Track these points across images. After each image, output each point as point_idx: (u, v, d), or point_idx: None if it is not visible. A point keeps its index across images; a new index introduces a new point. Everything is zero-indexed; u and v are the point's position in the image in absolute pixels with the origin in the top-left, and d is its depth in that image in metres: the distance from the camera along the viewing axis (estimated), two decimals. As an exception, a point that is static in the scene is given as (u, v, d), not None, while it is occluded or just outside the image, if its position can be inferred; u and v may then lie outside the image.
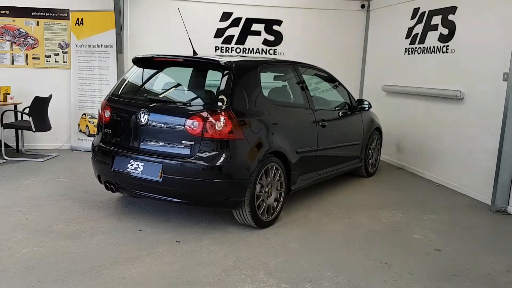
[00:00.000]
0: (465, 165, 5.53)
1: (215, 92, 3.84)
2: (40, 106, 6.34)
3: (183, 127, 3.67)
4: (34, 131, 6.24)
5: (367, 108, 5.72)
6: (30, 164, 6.10)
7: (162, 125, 3.79)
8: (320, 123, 4.75)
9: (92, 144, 4.28)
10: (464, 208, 5.01)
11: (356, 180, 5.97)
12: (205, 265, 3.28)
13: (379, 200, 5.17)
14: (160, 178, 3.69)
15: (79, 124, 7.16)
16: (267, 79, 4.70)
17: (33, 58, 7.07)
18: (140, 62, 4.34)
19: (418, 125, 6.52)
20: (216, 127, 3.62)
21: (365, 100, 5.72)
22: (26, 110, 6.32)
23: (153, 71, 4.32)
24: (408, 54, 6.76)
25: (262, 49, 7.69)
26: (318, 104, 4.98)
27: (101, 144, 4.16)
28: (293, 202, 4.79)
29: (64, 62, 7.18)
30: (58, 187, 5.05)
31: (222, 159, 3.62)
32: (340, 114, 5.36)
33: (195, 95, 4.06)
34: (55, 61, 7.15)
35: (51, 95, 6.54)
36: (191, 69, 4.34)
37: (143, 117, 3.84)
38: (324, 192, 5.29)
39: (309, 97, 4.76)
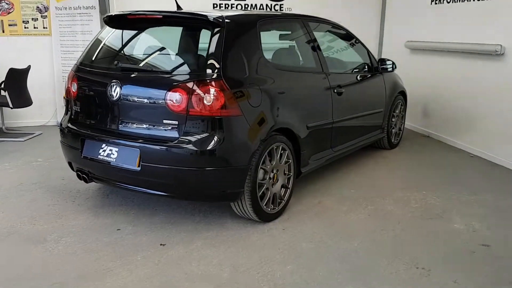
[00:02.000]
0: (505, 132, 4.70)
1: (204, 57, 3.05)
2: (17, 79, 5.61)
3: (163, 103, 2.91)
4: (11, 108, 5.54)
5: (390, 69, 4.86)
6: (8, 145, 5.43)
7: (138, 100, 3.02)
8: (335, 90, 3.94)
9: (60, 125, 3.55)
10: (508, 185, 4.22)
11: (377, 153, 5.18)
12: (193, 279, 2.58)
13: (407, 178, 4.39)
14: (138, 166, 2.96)
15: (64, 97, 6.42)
16: (270, 39, 3.88)
17: (10, 25, 6.28)
18: (113, 21, 3.53)
19: (448, 86, 5.65)
20: (205, 102, 2.84)
21: (388, 60, 4.86)
22: (3, 85, 5.60)
23: (130, 32, 3.50)
24: (436, 3, 5.80)
25: (267, 5, 6.76)
26: (332, 66, 4.16)
27: (69, 124, 3.43)
28: (305, 184, 4.06)
29: (44, 28, 6.38)
30: (33, 172, 4.37)
31: (213, 142, 2.87)
32: (359, 77, 4.52)
33: (179, 62, 3.24)
34: (34, 27, 6.36)
35: (29, 66, 5.79)
36: (175, 28, 3.51)
37: (114, 91, 3.08)
38: (341, 169, 4.54)
39: (322, 59, 3.92)
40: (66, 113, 3.55)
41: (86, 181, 3.34)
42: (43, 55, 6.37)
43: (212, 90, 2.85)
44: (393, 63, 4.82)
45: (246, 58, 3.13)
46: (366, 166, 4.71)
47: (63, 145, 3.51)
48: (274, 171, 3.28)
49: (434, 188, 4.09)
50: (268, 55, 3.45)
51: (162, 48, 3.42)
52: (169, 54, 3.24)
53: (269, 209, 3.27)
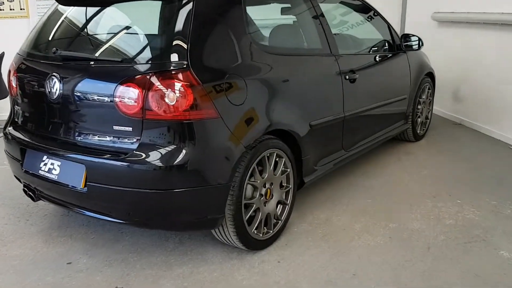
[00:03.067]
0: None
1: (167, 39, 2.30)
2: (-12, 67, 4.96)
3: (112, 102, 2.18)
4: (-18, 100, 4.92)
5: (416, 47, 4.01)
6: (-21, 144, 4.80)
7: (82, 99, 2.31)
8: (347, 76, 3.14)
9: (3, 128, 2.87)
10: None
11: (400, 148, 4.39)
12: None
13: (436, 181, 3.60)
14: (84, 187, 2.26)
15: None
16: (262, 14, 3.10)
17: (-18, 6, 5.61)
18: (64, -3, 2.79)
19: (484, 65, 4.76)
20: (167, 100, 2.11)
21: (413, 35, 4.00)
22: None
23: (81, 10, 2.74)
24: (471, -34, 4.89)
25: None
26: (344, 46, 3.37)
27: (10, 129, 2.74)
28: (309, 193, 3.32)
29: (21, 9, 5.68)
30: (-6, 179, 3.74)
31: (180, 155, 2.14)
32: (378, 58, 3.70)
33: (136, 46, 2.44)
34: (10, 9, 5.67)
35: (3, 53, 5.13)
36: (137, 3, 2.73)
37: (53, 87, 2.37)
38: (355, 172, 3.77)
39: (331, 38, 3.12)
40: (10, 114, 2.87)
41: (33, 199, 2.67)
42: (20, 40, 5.68)
43: (177, 85, 2.11)
44: (420, 40, 3.97)
45: (225, 40, 2.37)
46: (386, 165, 3.93)
47: (6, 154, 2.84)
48: (267, 186, 2.55)
49: (471, 194, 3.30)
50: (258, 35, 2.69)
51: (117, 29, 2.63)
52: (125, 36, 2.47)
53: (261, 235, 2.55)
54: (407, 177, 3.67)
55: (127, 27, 2.52)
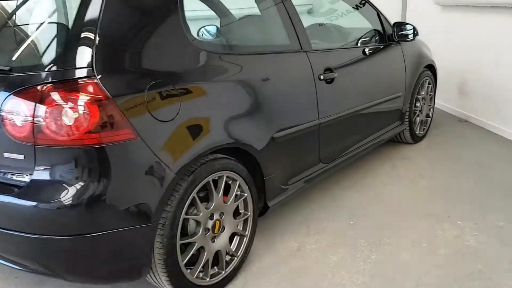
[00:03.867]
0: None
1: (67, 39, 1.81)
2: None
3: (-1, 122, 1.71)
4: None
5: (411, 37, 3.45)
6: None
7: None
8: (321, 76, 2.62)
9: None
10: None
11: (396, 151, 3.86)
12: None
13: (434, 194, 3.08)
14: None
15: None
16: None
17: None
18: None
19: (493, 54, 4.19)
20: (64, 120, 1.62)
21: (407, 24, 3.45)
22: None
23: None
24: None
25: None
26: (319, 39, 2.86)
27: None
28: (282, 212, 2.82)
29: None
30: None
31: (83, 190, 1.65)
32: (366, 51, 3.17)
33: (29, 49, 1.93)
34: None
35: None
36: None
37: None
38: (340, 182, 3.26)
39: (301, 31, 2.59)
40: None
41: None
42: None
43: (78, 100, 1.62)
44: (414, 29, 3.41)
45: (148, 38, 1.86)
46: (378, 174, 3.41)
47: None
48: (216, 217, 2.06)
49: (474, 212, 2.77)
50: (198, 31, 2.18)
51: (6, 29, 2.14)
52: (16, 37, 1.99)
53: (208, 278, 2.06)
54: (401, 190, 3.15)
55: (19, 25, 2.02)
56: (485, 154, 3.74)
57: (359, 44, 3.29)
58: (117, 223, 1.72)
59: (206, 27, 2.72)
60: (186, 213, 1.90)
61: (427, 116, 4.16)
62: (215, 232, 2.06)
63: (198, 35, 2.87)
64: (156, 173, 1.76)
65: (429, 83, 4.03)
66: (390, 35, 3.40)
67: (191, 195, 1.90)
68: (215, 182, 2.05)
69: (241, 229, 2.23)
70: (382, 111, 3.38)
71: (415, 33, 3.39)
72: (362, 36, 3.35)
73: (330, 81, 2.68)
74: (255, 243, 2.37)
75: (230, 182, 2.13)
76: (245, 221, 2.25)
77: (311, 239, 2.56)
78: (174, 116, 1.83)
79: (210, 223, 2.03)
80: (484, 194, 3.02)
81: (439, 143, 4.05)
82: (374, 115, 3.28)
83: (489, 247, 2.41)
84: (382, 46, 3.37)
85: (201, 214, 1.97)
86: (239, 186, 2.17)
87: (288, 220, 2.76)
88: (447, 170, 3.46)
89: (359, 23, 3.39)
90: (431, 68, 4.06)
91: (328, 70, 2.67)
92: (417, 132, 3.98)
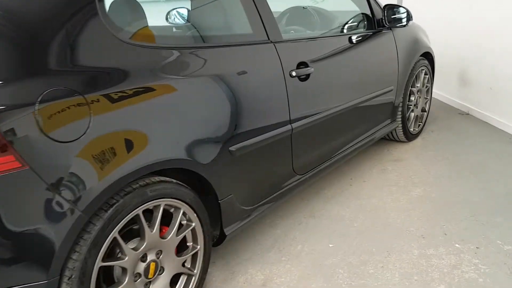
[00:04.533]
0: None
1: None
2: None
3: None
4: None
5: (404, 22, 2.97)
6: None
7: None
8: (293, 73, 2.16)
9: None
10: None
11: (387, 151, 3.42)
12: None
13: (428, 207, 2.64)
14: None
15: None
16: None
17: None
18: None
19: (500, 40, 3.71)
20: None
21: (400, 7, 2.96)
22: None
23: None
24: None
25: None
26: (300, 25, 2.40)
27: None
28: (253, 234, 2.40)
29: None
30: None
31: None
32: (353, 39, 2.70)
33: None
34: None
35: None
36: None
37: None
38: (320, 193, 2.83)
39: (268, 18, 2.12)
40: None
41: None
42: None
43: None
44: (408, 12, 2.93)
45: (44, 32, 1.40)
46: (364, 181, 2.97)
47: None
48: (151, 257, 1.64)
49: (475, 232, 2.35)
50: (125, 21, 1.72)
51: None
52: None
53: None
54: (390, 203, 2.71)
55: None
56: (488, 155, 3.30)
57: (344, 31, 2.83)
58: (1, 281, 1.28)
59: (178, 10, 2.26)
60: (104, 259, 1.47)
61: (423, 110, 3.71)
62: (149, 276, 1.63)
63: (167, 19, 2.41)
64: (53, 213, 1.32)
65: (425, 74, 3.57)
66: (380, 20, 2.92)
67: (110, 236, 1.47)
68: (150, 211, 1.62)
69: (188, 266, 1.81)
70: (370, 109, 2.93)
71: (409, 18, 2.91)
72: (347, 22, 2.88)
73: (304, 77, 2.22)
74: (213, 272, 1.95)
75: (172, 210, 1.70)
76: (194, 255, 1.83)
77: (281, 269, 2.13)
78: (81, 134, 1.38)
79: (141, 267, 1.61)
80: (487, 207, 2.59)
81: (436, 141, 3.60)
82: (360, 114, 2.83)
83: (494, 283, 1.99)
84: (371, 33, 2.90)
85: (126, 258, 1.53)
86: (184, 215, 1.73)
87: (256, 242, 2.34)
88: (443, 175, 3.02)
89: (346, 5, 2.91)
90: (428, 56, 3.59)
91: (303, 64, 2.21)
92: (412, 129, 3.54)
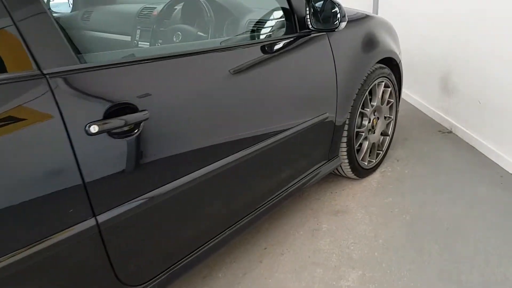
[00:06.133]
0: None
1: None
2: None
3: None
4: None
5: (335, 24, 1.96)
6: None
7: None
8: (93, 128, 1.21)
9: None
10: None
11: (328, 194, 2.50)
12: None
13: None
14: None
15: None
16: None
17: None
18: None
19: (489, 43, 2.72)
20: None
21: (331, 2, 1.95)
22: None
23: None
24: None
25: None
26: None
27: None
28: None
29: None
30: None
31: None
32: (259, 50, 1.74)
33: None
34: None
35: None
36: None
37: None
38: (208, 273, 1.92)
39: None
40: None
41: None
42: None
43: None
44: (339, 9, 1.92)
45: None
46: (282, 253, 2.05)
47: None
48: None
49: None
50: None
51: None
52: None
53: None
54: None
55: None
56: (469, 208, 2.36)
57: (246, 37, 1.87)
58: None
59: None
60: None
61: (385, 134, 2.76)
62: None
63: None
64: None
65: (386, 86, 2.60)
66: (303, 20, 1.95)
67: None
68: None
69: None
70: (288, 152, 1.98)
71: (341, 17, 1.91)
72: (251, 22, 1.92)
73: (127, 132, 1.28)
74: None
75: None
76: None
77: None
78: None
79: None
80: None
81: (399, 179, 2.65)
82: (265, 166, 1.88)
83: None
84: (291, 39, 1.93)
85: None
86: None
87: None
88: (397, 246, 2.09)
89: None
90: (391, 62, 2.62)
91: (123, 108, 1.27)
92: (365, 163, 2.59)
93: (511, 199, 2.37)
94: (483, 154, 2.88)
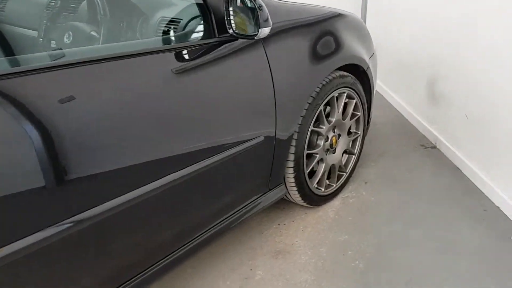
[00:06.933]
0: None
1: None
2: None
3: None
4: None
5: (251, 32, 1.51)
6: None
7: None
8: None
9: None
10: None
11: (275, 226, 2.09)
12: None
13: None
14: None
15: None
16: None
17: None
18: None
19: (481, 48, 2.25)
20: None
21: (255, 1, 1.51)
22: None
23: None
24: None
25: None
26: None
27: None
28: None
29: None
30: None
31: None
32: (176, 58, 1.37)
33: None
34: None
35: None
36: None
37: None
38: None
39: None
40: None
41: None
42: None
43: None
44: (261, 14, 1.48)
45: None
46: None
47: None
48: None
49: None
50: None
51: None
52: None
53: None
54: None
55: None
56: (441, 253, 1.93)
57: (144, 41, 1.45)
58: None
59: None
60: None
61: (350, 153, 2.33)
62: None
63: None
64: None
65: (350, 97, 2.17)
66: (220, 24, 1.51)
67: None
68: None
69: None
70: (209, 185, 1.58)
71: (261, 23, 1.47)
72: (158, 24, 1.50)
73: None
74: None
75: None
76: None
77: None
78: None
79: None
80: None
81: (362, 210, 2.23)
82: (178, 203, 1.48)
83: None
84: (208, 46, 1.50)
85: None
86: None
87: None
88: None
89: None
90: (357, 69, 2.18)
91: None
92: (321, 189, 2.17)
93: (492, 244, 1.94)
94: (467, 177, 2.44)
